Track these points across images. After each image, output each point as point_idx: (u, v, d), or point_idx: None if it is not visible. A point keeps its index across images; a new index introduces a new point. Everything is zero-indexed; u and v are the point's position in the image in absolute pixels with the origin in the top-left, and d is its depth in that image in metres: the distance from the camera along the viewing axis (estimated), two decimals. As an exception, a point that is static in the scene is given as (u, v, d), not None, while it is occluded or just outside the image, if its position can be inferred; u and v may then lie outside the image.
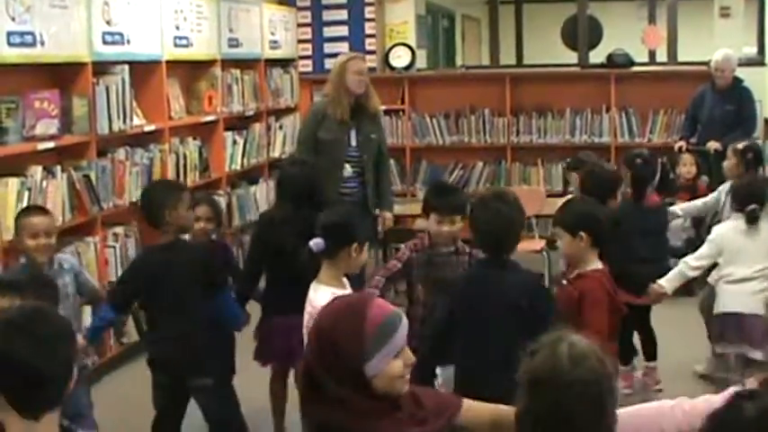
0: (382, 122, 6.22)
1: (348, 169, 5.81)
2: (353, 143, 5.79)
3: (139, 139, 6.04)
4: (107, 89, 5.55)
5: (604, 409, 2.04)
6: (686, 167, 7.14)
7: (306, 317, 3.42)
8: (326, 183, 5.66)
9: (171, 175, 6.28)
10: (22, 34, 4.84)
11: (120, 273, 5.61)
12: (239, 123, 7.65)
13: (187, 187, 4.59)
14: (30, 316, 2.02)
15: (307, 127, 5.94)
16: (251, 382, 4.60)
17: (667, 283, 4.75)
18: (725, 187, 5.64)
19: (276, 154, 8.15)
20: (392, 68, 9.03)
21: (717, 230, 4.92)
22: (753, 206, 4.74)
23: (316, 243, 3.42)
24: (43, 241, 4.07)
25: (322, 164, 5.79)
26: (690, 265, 4.78)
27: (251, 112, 7.78)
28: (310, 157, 5.75)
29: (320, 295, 3.30)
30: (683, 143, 7.61)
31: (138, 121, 6.00)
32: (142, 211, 4.40)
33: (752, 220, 4.74)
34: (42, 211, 4.29)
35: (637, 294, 4.75)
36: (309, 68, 9.01)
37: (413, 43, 9.18)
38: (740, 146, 5.84)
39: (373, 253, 6.61)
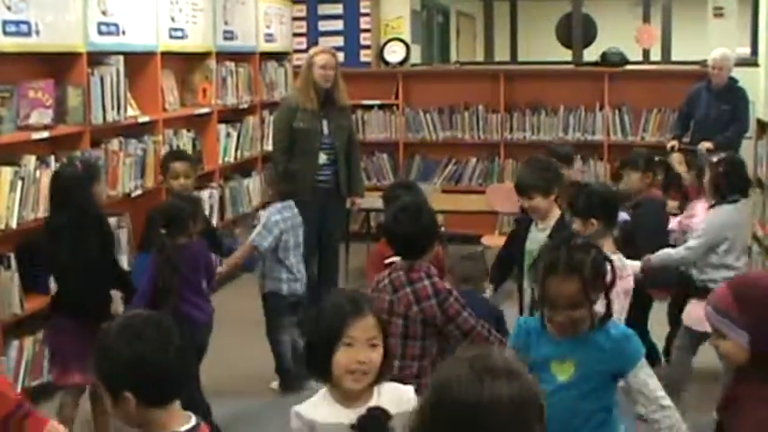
0: (350, 114, 6.52)
1: (323, 157, 6.08)
2: (326, 131, 6.07)
3: (133, 131, 6.04)
4: (102, 79, 5.55)
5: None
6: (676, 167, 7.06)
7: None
8: (303, 171, 5.79)
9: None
10: (17, 23, 4.83)
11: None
12: (233, 116, 7.65)
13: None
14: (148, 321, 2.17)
15: (281, 119, 6.18)
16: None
17: None
18: None
19: (270, 147, 8.14)
20: (386, 63, 9.04)
21: None
22: None
23: None
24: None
25: (298, 152, 5.96)
26: None
27: (245, 105, 7.79)
28: (286, 146, 5.93)
29: None
30: (674, 142, 7.59)
31: (133, 112, 5.99)
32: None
33: None
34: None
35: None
36: (304, 62, 8.98)
37: (407, 38, 9.19)
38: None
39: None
